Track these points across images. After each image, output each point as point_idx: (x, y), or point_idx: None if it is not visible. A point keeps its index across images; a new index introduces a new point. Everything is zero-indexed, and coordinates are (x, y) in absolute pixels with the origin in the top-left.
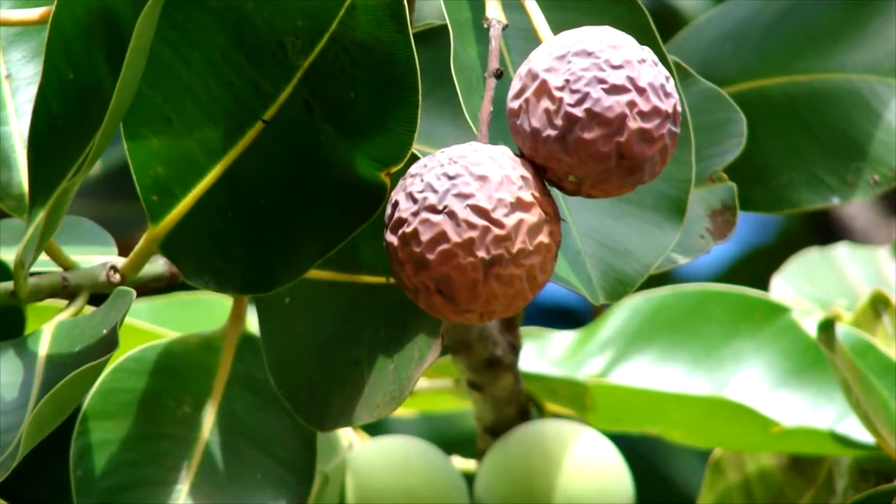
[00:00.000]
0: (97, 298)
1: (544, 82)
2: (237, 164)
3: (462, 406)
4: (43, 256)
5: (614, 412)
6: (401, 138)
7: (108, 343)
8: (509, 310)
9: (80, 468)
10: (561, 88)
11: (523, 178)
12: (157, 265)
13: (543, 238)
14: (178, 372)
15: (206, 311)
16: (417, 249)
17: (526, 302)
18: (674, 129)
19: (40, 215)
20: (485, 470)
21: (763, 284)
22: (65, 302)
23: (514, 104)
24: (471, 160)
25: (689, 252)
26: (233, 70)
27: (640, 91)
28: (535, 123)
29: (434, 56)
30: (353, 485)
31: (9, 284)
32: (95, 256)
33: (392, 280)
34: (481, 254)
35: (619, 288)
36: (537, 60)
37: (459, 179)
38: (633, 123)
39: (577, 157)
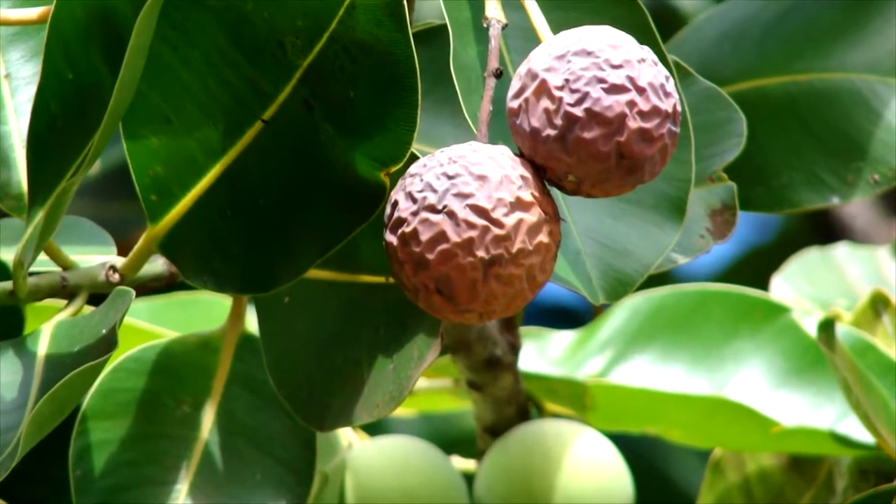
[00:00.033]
0: (96, 298)
1: (544, 82)
2: (236, 163)
3: (461, 406)
4: (42, 256)
5: (614, 412)
6: (400, 138)
7: (108, 343)
8: (509, 309)
9: (79, 468)
10: (561, 88)
11: (523, 177)
12: (157, 265)
13: (543, 238)
14: (177, 372)
15: (206, 311)
16: (417, 249)
17: (525, 302)
18: (673, 128)
19: (39, 215)
20: (484, 470)
21: (763, 284)
22: (64, 302)
23: (514, 104)
24: (470, 160)
25: (689, 252)
26: (232, 69)
27: (640, 91)
28: (535, 123)
29: (433, 55)
30: (352, 485)
31: (8, 284)
32: (94, 256)
33: (391, 280)
34: (481, 253)
35: (619, 288)
36: (537, 60)
37: (459, 179)
38: (633, 123)
39: (576, 156)
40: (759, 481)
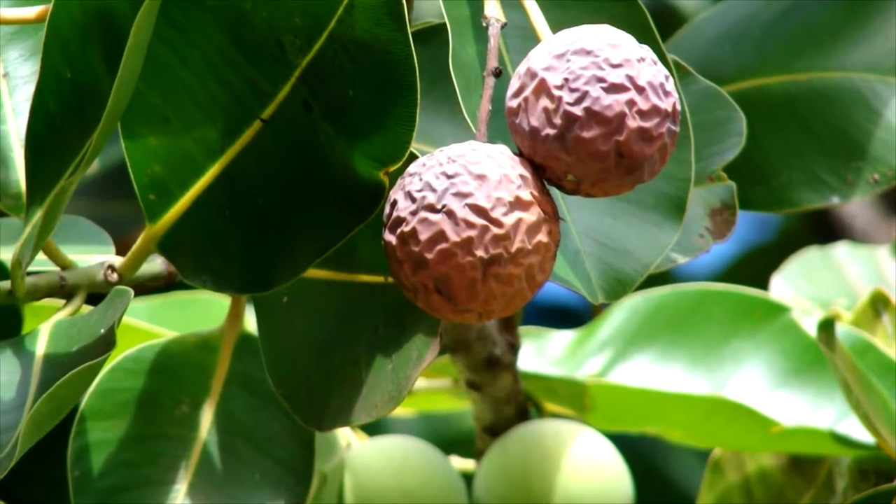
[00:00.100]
0: (95, 298)
1: (543, 81)
2: (235, 163)
3: (461, 406)
4: (40, 256)
5: (613, 412)
6: (399, 137)
7: (106, 342)
8: (508, 309)
9: (77, 468)
10: (560, 87)
11: (522, 177)
12: (155, 264)
13: (542, 237)
14: (175, 371)
15: (204, 311)
16: (416, 248)
17: (525, 301)
18: (673, 127)
19: (38, 214)
20: (484, 470)
21: (763, 284)
22: (62, 301)
23: (513, 103)
24: (469, 159)
25: (689, 251)
26: (231, 69)
27: (640, 90)
28: (534, 122)
29: (433, 54)
30: (351, 485)
31: (6, 284)
32: (93, 256)
33: (390, 279)
34: (480, 253)
35: (619, 287)
36: (536, 59)
37: (458, 178)
38: (633, 122)
39: (576, 155)
40: (759, 481)
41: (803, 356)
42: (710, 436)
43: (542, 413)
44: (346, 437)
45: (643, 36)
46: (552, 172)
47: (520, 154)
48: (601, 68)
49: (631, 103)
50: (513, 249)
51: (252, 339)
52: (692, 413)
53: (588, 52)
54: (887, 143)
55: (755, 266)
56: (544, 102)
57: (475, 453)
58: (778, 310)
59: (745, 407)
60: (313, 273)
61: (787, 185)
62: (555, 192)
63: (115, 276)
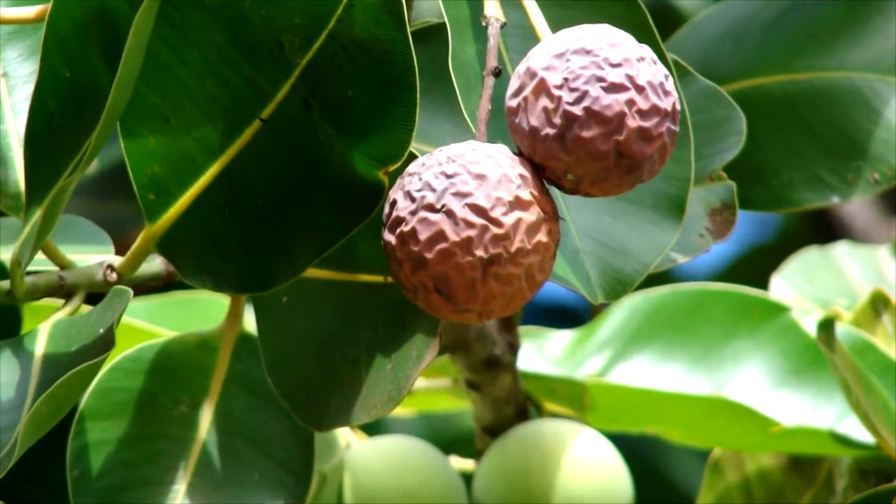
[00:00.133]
0: (94, 297)
1: (543, 80)
2: (235, 162)
3: (460, 406)
4: (39, 255)
5: (613, 412)
6: (399, 137)
7: (105, 342)
8: (508, 309)
9: (76, 468)
10: (559, 87)
11: (522, 176)
12: (154, 264)
13: (542, 237)
14: (175, 371)
15: (204, 311)
16: (415, 248)
17: (524, 301)
18: (673, 127)
19: (37, 214)
20: (483, 470)
21: (762, 284)
22: (61, 301)
23: (513, 102)
24: (469, 159)
25: (689, 251)
26: (230, 68)
27: (639, 89)
28: (534, 122)
29: (432, 54)
30: (350, 485)
31: (5, 283)
32: (92, 255)
33: (390, 279)
34: (480, 253)
35: (618, 287)
36: (536, 58)
37: (458, 178)
38: (632, 122)
39: (575, 155)
40: (759, 481)
41: (803, 356)
42: (709, 436)
43: (541, 413)
44: (346, 437)
45: (643, 35)
46: (552, 172)
47: (519, 154)
48: (601, 68)
49: (630, 103)
50: (512, 249)
51: (251, 338)
52: (692, 413)
53: (588, 52)
54: (887, 143)
55: (755, 266)
56: (544, 102)
57: (475, 453)
58: (778, 310)
59: (745, 407)
60: (313, 273)
61: (787, 184)
62: (554, 191)
63: (114, 276)
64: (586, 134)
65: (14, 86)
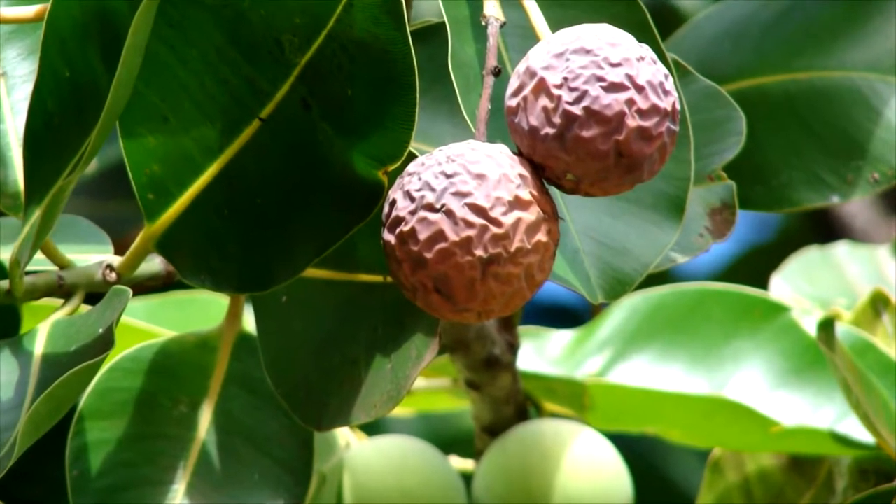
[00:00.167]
0: (93, 297)
1: (542, 80)
2: (234, 162)
3: (460, 405)
4: (39, 255)
5: (613, 412)
6: (398, 136)
7: (104, 342)
8: (507, 309)
9: (76, 468)
10: (559, 86)
11: (521, 176)
12: (154, 264)
13: (542, 237)
14: (174, 371)
15: (203, 310)
16: (415, 248)
17: (524, 301)
18: (673, 127)
19: (36, 214)
20: (483, 470)
21: (762, 283)
22: (61, 301)
23: (513, 102)
24: (469, 158)
25: (688, 251)
26: (229, 68)
27: (639, 89)
28: (534, 121)
29: (432, 54)
30: (350, 484)
31: (4, 283)
32: (91, 255)
33: (389, 279)
34: (479, 252)
35: (618, 287)
36: (535, 58)
37: (457, 178)
38: (632, 121)
39: (575, 155)
40: (759, 481)
41: (803, 356)
42: (709, 436)
43: (541, 413)
44: (345, 436)
45: (642, 35)
46: (551, 172)
47: (519, 153)
48: (600, 67)
49: (630, 102)
50: (512, 249)
51: (251, 338)
52: (692, 413)
53: (587, 52)
54: (887, 143)
55: (755, 266)
56: (543, 101)
57: (474, 453)
58: (778, 309)
59: (745, 407)
60: (312, 272)
61: (786, 184)
62: (554, 191)
63: (113, 276)
64: (586, 133)
65: (13, 85)
